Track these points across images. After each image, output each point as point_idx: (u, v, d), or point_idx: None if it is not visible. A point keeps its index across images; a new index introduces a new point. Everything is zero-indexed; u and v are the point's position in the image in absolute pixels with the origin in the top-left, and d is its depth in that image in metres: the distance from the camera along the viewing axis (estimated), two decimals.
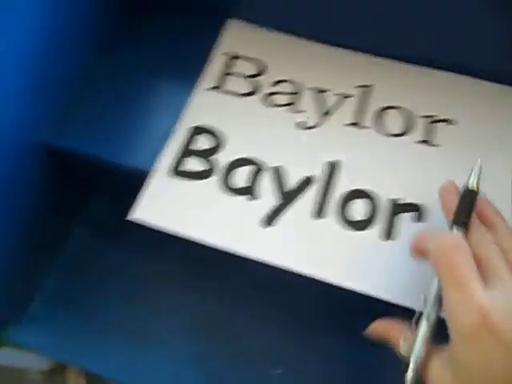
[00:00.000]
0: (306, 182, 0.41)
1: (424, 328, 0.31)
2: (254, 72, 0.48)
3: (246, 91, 0.47)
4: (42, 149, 0.44)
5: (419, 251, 0.34)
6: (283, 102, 0.46)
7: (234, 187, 0.41)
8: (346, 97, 0.46)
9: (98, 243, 0.54)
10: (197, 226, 0.40)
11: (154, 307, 0.50)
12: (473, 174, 0.35)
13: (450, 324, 0.28)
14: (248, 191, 0.41)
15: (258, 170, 0.42)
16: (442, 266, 0.29)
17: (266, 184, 0.41)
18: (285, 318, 0.49)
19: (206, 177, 0.42)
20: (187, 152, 0.43)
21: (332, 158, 0.43)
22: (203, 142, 0.44)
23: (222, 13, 0.50)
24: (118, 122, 0.45)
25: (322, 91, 0.47)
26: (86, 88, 0.46)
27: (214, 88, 0.47)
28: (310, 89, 0.47)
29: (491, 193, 0.36)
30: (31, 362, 0.61)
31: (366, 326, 0.36)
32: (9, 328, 0.49)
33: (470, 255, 0.29)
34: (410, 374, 0.30)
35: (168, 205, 0.41)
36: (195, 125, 0.45)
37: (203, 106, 0.46)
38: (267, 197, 0.41)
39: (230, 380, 0.47)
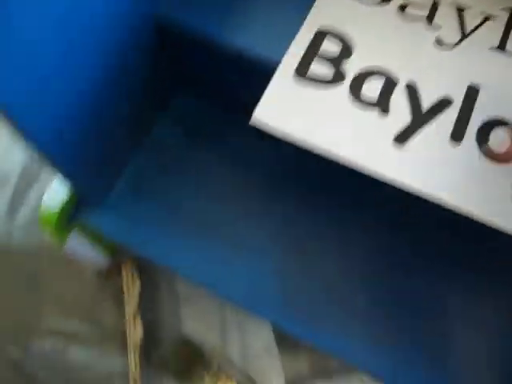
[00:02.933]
0: (444, 103, 0.38)
1: None
2: None
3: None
4: (153, 22, 0.41)
5: None
6: (419, 14, 0.42)
7: (365, 99, 0.38)
8: (489, 17, 0.42)
9: (180, 138, 0.52)
10: (324, 136, 0.37)
11: (238, 211, 0.49)
12: None
13: None
14: (380, 105, 0.38)
15: (391, 83, 0.39)
16: None
17: (400, 100, 0.38)
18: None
19: (335, 84, 0.39)
20: (313, 55, 0.40)
21: (473, 82, 0.39)
22: (330, 47, 0.40)
23: None
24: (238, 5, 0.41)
25: (462, 9, 0.43)
26: None
27: None
28: (449, 4, 0.43)
29: None
30: (91, 256, 0.61)
31: None
32: (88, 210, 0.48)
33: None
34: None
35: (293, 109, 0.38)
36: (322, 26, 0.41)
37: (331, 8, 0.42)
38: (401, 113, 0.38)
39: (305, 299, 0.46)
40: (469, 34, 0.42)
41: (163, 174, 0.50)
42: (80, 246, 0.56)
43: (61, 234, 0.49)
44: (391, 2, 0.43)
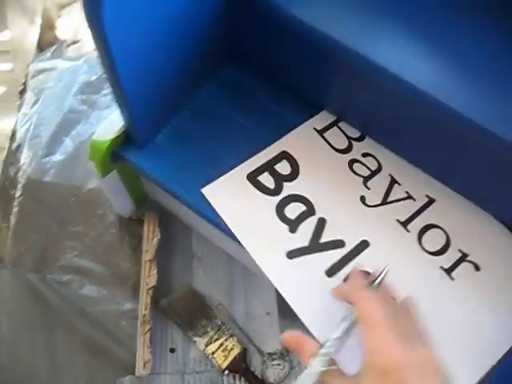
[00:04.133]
0: (337, 244, 0.48)
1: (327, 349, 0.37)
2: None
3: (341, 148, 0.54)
4: None
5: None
6: (362, 173, 0.53)
7: (285, 215, 0.49)
8: (411, 197, 0.52)
9: (226, 102, 0.56)
10: (244, 231, 0.48)
11: None
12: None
13: (365, 358, 0.34)
14: (292, 224, 0.49)
15: (310, 212, 0.49)
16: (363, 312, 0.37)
17: (308, 227, 0.49)
18: None
19: (271, 195, 0.50)
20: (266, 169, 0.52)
21: (368, 239, 0.49)
22: (282, 168, 0.52)
23: None
24: None
25: (394, 182, 0.52)
26: None
27: (319, 131, 0.54)
28: (387, 174, 0.53)
29: None
30: (120, 201, 0.65)
31: None
32: (134, 150, 0.52)
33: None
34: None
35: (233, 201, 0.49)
36: (286, 149, 0.53)
37: (300, 139, 0.53)
38: (303, 237, 0.48)
39: None
40: (387, 203, 0.51)
41: (203, 130, 0.54)
42: (114, 188, 0.60)
43: (104, 168, 0.53)
44: (350, 152, 0.53)
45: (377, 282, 0.43)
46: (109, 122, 0.50)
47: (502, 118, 0.40)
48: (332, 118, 0.55)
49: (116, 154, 0.52)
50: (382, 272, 0.43)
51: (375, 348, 0.34)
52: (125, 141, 0.52)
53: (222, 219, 0.49)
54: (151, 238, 0.66)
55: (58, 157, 0.72)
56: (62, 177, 0.71)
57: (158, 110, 0.50)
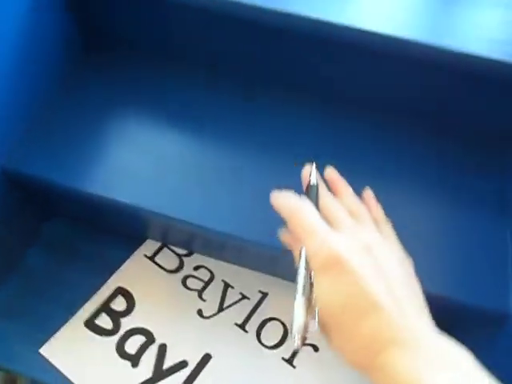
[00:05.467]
0: (182, 365, 0.49)
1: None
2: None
3: (173, 268, 0.56)
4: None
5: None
6: (195, 287, 0.55)
7: (126, 352, 0.50)
8: (245, 297, 0.54)
9: (51, 263, 0.56)
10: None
11: None
12: (312, 174, 0.38)
13: (312, 266, 0.32)
14: (133, 359, 0.49)
15: (150, 342, 0.50)
16: (293, 223, 0.33)
17: (150, 357, 0.49)
18: None
19: (110, 335, 0.51)
20: (103, 310, 0.52)
21: (209, 351, 0.51)
22: (118, 304, 0.52)
23: None
24: (76, 150, 0.47)
25: (228, 287, 0.55)
26: (46, 118, 0.49)
27: (150, 257, 0.56)
28: (220, 281, 0.55)
29: None
30: None
31: None
32: None
33: (314, 209, 0.33)
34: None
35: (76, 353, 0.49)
36: (120, 285, 0.54)
37: (135, 270, 0.55)
38: (146, 369, 0.49)
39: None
40: (224, 309, 0.53)
41: (34, 296, 0.53)
42: None
43: None
44: (183, 269, 0.55)
45: (312, 181, 0.37)
46: None
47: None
48: (160, 242, 0.57)
49: None
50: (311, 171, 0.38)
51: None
52: None
53: (64, 375, 0.48)
54: None
55: None
56: None
57: None
